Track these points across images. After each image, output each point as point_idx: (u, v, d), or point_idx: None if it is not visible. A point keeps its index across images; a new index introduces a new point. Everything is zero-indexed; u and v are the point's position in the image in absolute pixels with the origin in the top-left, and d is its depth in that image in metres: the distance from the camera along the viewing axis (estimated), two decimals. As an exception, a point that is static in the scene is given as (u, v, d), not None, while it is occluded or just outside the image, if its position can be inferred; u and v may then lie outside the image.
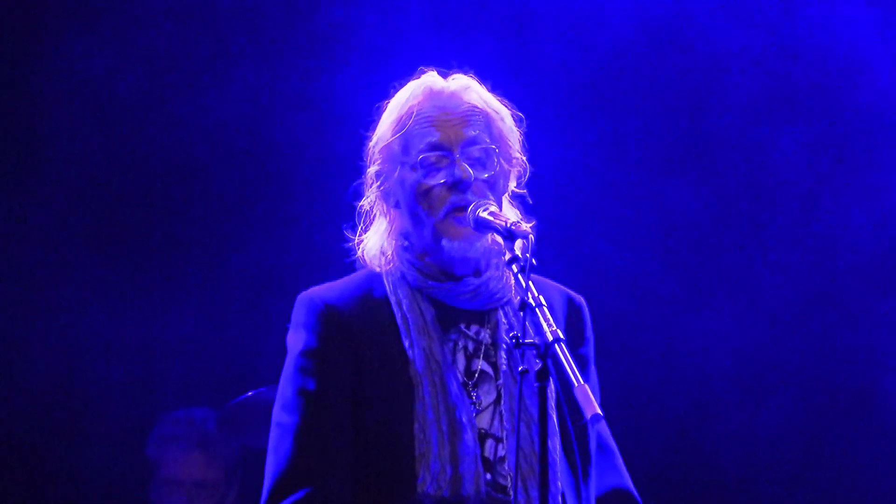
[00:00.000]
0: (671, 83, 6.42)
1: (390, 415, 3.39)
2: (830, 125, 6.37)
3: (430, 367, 3.42)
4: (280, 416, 3.44)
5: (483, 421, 3.43)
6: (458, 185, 3.42)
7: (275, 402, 3.48)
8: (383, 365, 3.43)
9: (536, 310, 3.08)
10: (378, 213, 3.57)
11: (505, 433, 3.42)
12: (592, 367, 3.63)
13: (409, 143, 3.47)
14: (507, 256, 3.24)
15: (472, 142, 3.46)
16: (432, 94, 3.49)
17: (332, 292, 3.52)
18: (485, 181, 3.45)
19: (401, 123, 3.48)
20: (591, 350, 3.63)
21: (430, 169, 3.45)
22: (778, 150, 6.40)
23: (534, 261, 3.18)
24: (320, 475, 3.36)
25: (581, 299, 3.66)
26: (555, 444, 3.43)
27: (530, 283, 3.14)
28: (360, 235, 3.59)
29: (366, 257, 3.57)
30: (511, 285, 3.50)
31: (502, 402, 3.45)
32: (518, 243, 3.25)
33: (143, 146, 6.37)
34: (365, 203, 3.58)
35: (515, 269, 3.20)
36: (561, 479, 3.44)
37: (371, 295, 3.52)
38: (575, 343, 3.57)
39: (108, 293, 6.35)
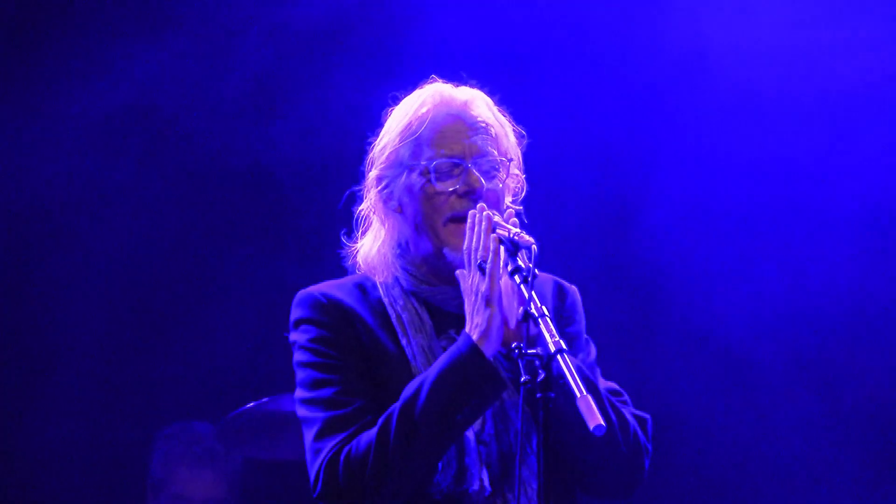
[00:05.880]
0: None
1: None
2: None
3: (430, 364, 3.40)
4: (304, 394, 3.44)
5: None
6: (470, 195, 3.46)
7: (296, 391, 3.47)
8: (383, 362, 3.45)
9: (540, 320, 3.12)
10: (376, 219, 3.60)
11: (489, 438, 3.42)
12: (583, 341, 3.63)
13: (419, 149, 3.50)
14: (511, 267, 3.28)
15: (484, 153, 3.50)
16: (444, 103, 3.53)
17: (329, 289, 3.55)
18: (494, 192, 3.49)
19: (411, 129, 3.52)
20: (579, 328, 3.63)
21: (441, 175, 3.49)
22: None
23: (536, 271, 3.22)
24: (359, 423, 3.34)
25: (572, 288, 3.69)
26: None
27: (533, 293, 3.18)
28: (357, 241, 3.62)
29: (360, 262, 3.60)
30: None
31: None
32: (521, 254, 3.29)
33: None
34: (364, 208, 3.62)
35: (518, 280, 3.24)
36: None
37: (366, 295, 3.55)
38: (562, 324, 3.58)
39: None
